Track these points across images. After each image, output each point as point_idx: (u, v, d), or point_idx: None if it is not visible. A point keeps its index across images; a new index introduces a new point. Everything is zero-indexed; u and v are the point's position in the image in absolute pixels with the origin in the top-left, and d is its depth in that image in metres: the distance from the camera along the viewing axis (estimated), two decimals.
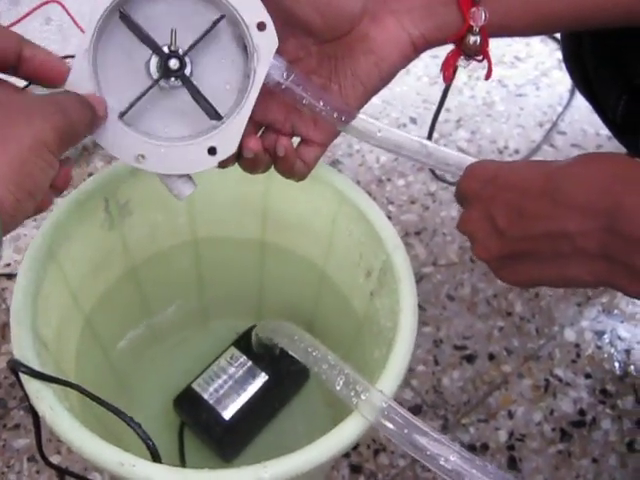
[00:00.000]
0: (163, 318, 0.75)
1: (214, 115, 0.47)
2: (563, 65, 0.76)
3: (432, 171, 1.02)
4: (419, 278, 0.90)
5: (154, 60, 0.46)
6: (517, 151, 1.07)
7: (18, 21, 0.87)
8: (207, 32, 0.46)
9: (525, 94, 1.16)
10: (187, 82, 0.47)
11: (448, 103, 0.88)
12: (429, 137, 0.85)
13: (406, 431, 0.44)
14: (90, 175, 1.00)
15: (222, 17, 0.46)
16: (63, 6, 0.82)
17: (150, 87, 0.46)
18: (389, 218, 0.58)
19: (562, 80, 1.16)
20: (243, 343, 0.70)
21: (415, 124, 1.10)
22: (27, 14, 0.83)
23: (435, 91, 1.13)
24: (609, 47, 0.56)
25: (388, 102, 1.11)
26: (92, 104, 0.44)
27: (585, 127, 1.10)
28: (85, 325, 0.62)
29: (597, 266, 0.42)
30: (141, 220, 0.63)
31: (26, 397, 0.48)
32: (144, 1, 0.45)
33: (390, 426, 0.45)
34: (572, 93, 1.13)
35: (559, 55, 1.20)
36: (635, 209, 0.39)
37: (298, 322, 0.58)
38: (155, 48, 0.46)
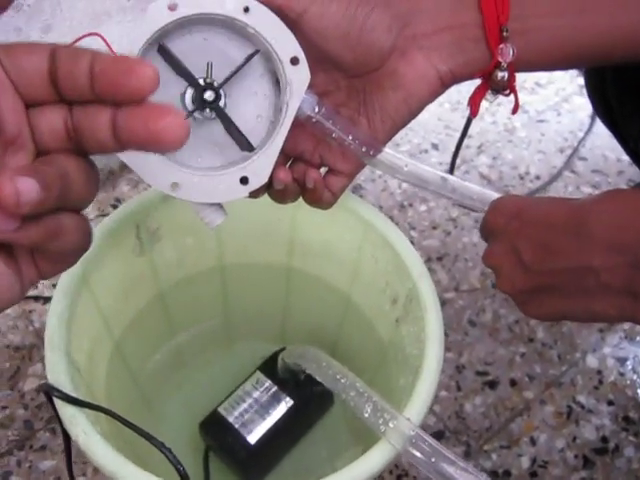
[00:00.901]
0: (188, 341, 0.76)
1: (247, 146, 0.48)
2: (584, 91, 0.77)
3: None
4: (441, 304, 0.90)
5: (190, 92, 0.47)
6: (538, 177, 1.08)
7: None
8: (242, 66, 0.47)
9: (546, 120, 1.17)
10: (221, 114, 0.48)
11: (470, 129, 0.89)
12: (452, 165, 0.86)
13: (433, 459, 0.45)
14: (117, 199, 1.01)
15: (257, 52, 0.47)
16: (103, 39, 0.83)
17: (186, 118, 0.47)
18: (411, 243, 0.59)
19: (583, 106, 1.17)
20: (268, 368, 0.70)
21: (437, 150, 1.11)
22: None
23: (456, 117, 1.14)
24: (631, 79, 0.57)
25: (410, 128, 1.12)
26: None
27: (606, 153, 1.11)
28: (115, 349, 0.63)
29: (622, 301, 0.43)
30: (170, 245, 0.64)
31: (58, 421, 0.49)
32: (182, 35, 0.47)
33: (418, 454, 0.45)
34: (593, 119, 1.14)
35: (580, 81, 1.21)
36: None
37: (322, 347, 0.58)
38: (191, 80, 0.47)
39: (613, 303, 0.43)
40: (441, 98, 0.52)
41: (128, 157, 0.46)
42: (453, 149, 0.90)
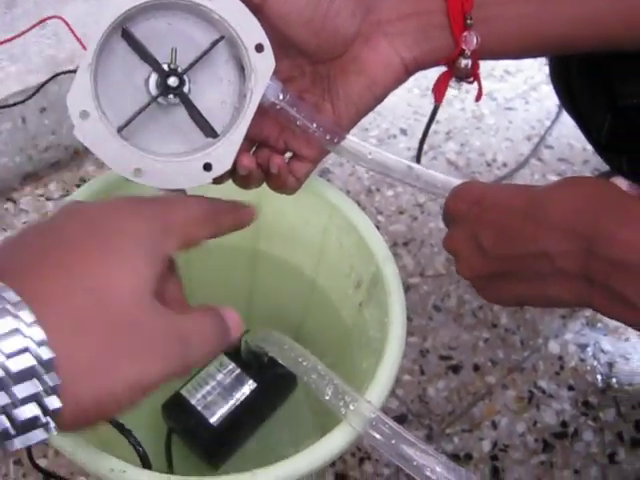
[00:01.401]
0: None
1: (210, 132, 0.48)
2: None
3: None
4: (406, 288, 0.91)
5: (154, 77, 0.47)
6: (505, 164, 1.09)
7: (18, 36, 0.87)
8: (206, 52, 0.47)
9: (514, 108, 1.18)
10: (185, 100, 0.47)
11: (438, 115, 0.89)
12: (419, 151, 0.86)
13: (393, 441, 0.45)
14: (81, 179, 1.00)
15: (221, 38, 0.47)
16: (66, 22, 0.83)
17: (148, 103, 0.47)
18: (377, 228, 0.59)
19: (550, 95, 1.17)
20: (232, 350, 0.70)
21: (405, 135, 1.11)
22: (27, 30, 0.83)
23: (425, 103, 1.14)
24: (595, 68, 0.58)
25: (378, 113, 1.13)
26: (227, 326, 0.41)
27: (572, 142, 1.12)
28: None
29: (577, 286, 0.43)
30: None
31: None
32: (146, 19, 0.46)
33: (378, 436, 0.46)
34: (560, 108, 1.15)
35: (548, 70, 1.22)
36: (612, 232, 0.41)
37: (286, 330, 0.58)
38: (155, 66, 0.47)
39: (568, 288, 0.44)
40: (410, 83, 0.52)
41: (90, 141, 0.46)
42: (420, 135, 0.91)
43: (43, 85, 0.89)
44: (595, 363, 0.88)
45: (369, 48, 0.48)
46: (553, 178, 1.08)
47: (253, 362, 0.69)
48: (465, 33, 0.48)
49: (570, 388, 0.85)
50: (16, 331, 0.29)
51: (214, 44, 0.47)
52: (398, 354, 0.51)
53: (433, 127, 0.98)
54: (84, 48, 0.84)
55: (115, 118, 0.47)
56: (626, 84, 0.55)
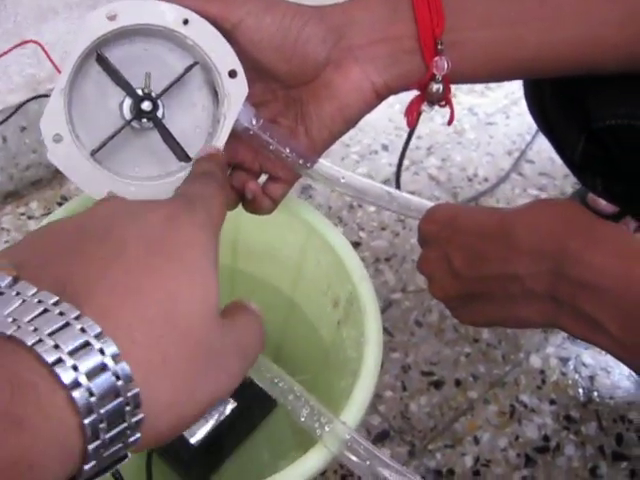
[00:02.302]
0: None
1: (183, 157, 0.49)
2: None
3: None
4: (388, 304, 0.92)
5: (127, 101, 0.47)
6: (486, 179, 1.09)
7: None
8: (180, 77, 0.47)
9: (495, 122, 1.18)
10: (159, 124, 0.48)
11: (419, 130, 0.90)
12: (399, 167, 0.87)
13: (368, 462, 0.45)
14: (63, 197, 1.00)
15: (195, 64, 0.47)
16: (41, 46, 0.83)
17: (122, 127, 0.47)
18: (359, 244, 0.59)
19: None
20: None
21: (387, 151, 1.11)
22: (4, 53, 0.83)
23: None
24: (569, 89, 0.58)
25: (360, 129, 1.13)
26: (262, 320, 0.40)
27: (553, 156, 1.12)
28: None
29: (545, 307, 0.44)
30: None
31: None
32: (121, 44, 0.46)
33: (353, 458, 0.46)
34: None
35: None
36: (580, 254, 0.41)
37: (266, 347, 0.58)
38: (129, 90, 0.47)
39: (537, 309, 0.44)
40: (391, 99, 0.52)
41: (63, 164, 0.46)
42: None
43: (23, 104, 0.89)
44: (577, 377, 0.88)
45: (340, 73, 0.49)
46: (534, 192, 1.08)
47: None
48: (436, 58, 0.48)
49: (552, 402, 0.86)
50: (103, 367, 0.27)
51: (188, 69, 0.47)
52: (373, 375, 0.51)
53: (414, 142, 0.98)
54: (59, 72, 0.85)
55: (89, 141, 0.47)
56: (600, 106, 0.55)
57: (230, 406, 0.69)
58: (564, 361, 0.89)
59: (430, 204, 0.52)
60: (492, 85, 1.23)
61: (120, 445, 0.28)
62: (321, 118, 0.50)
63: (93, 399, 0.27)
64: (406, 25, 0.48)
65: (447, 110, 0.53)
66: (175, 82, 0.47)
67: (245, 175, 0.51)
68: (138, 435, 0.29)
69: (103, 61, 0.46)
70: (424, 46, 0.48)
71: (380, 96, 0.50)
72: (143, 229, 0.33)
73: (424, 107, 0.51)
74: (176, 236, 0.33)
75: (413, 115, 0.52)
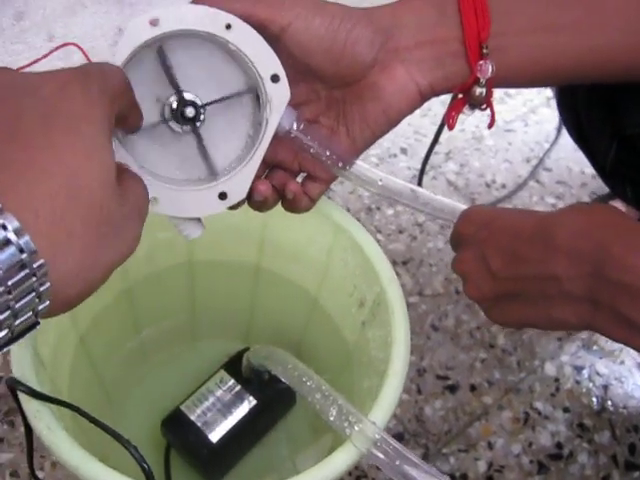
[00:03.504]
0: (153, 336, 0.75)
1: (211, 171, 0.49)
2: (551, 102, 0.79)
3: None
4: None
5: (171, 101, 0.47)
6: (504, 185, 1.10)
7: (35, 61, 0.88)
8: (228, 98, 0.48)
9: (513, 130, 1.19)
10: (196, 133, 0.48)
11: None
12: (421, 172, 0.87)
13: (397, 462, 0.46)
14: None
15: (243, 92, 0.48)
16: (81, 49, 0.84)
17: (157, 123, 0.47)
18: None
19: (549, 118, 1.19)
20: (233, 366, 0.71)
21: (406, 155, 1.12)
22: (44, 56, 0.84)
23: (426, 123, 1.15)
24: (603, 95, 0.59)
25: None
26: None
27: (570, 165, 1.13)
28: (79, 343, 0.63)
29: (583, 309, 0.44)
30: (141, 241, 0.63)
31: (22, 415, 0.48)
32: (182, 46, 0.46)
33: (382, 457, 0.46)
34: (559, 131, 1.16)
35: (548, 93, 1.23)
36: (621, 256, 0.41)
37: (286, 346, 0.59)
38: (178, 92, 0.47)
39: (573, 311, 0.44)
40: None
41: None
42: (421, 154, 0.91)
43: None
44: (590, 385, 0.88)
45: (386, 75, 0.49)
46: (551, 200, 1.08)
47: (253, 379, 0.69)
48: (481, 62, 0.48)
49: (565, 410, 0.86)
50: (7, 242, 0.29)
51: (239, 94, 0.48)
52: (402, 375, 0.52)
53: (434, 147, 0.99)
54: None
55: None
56: (633, 113, 0.56)
57: (250, 403, 0.69)
58: (578, 369, 0.90)
59: (464, 207, 0.52)
60: (511, 92, 1.24)
61: (29, 314, 0.30)
62: (364, 119, 0.50)
63: None
64: (452, 28, 0.49)
65: (465, 117, 0.53)
66: (222, 100, 0.47)
67: (284, 175, 0.52)
68: (47, 303, 0.31)
69: (163, 56, 0.46)
70: (469, 49, 0.48)
71: (424, 98, 0.50)
72: (37, 100, 0.33)
73: (465, 110, 0.52)
74: (70, 108, 0.33)
75: (454, 118, 0.52)
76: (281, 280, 0.69)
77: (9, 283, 0.29)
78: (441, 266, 0.97)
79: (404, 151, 1.12)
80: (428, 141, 0.80)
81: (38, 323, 0.32)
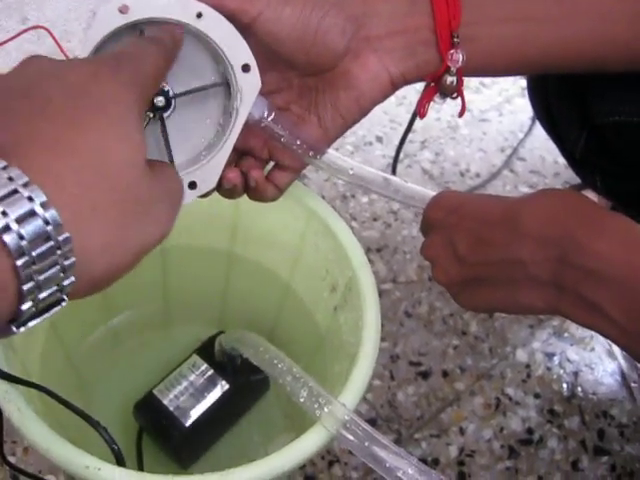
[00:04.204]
0: (125, 320, 0.75)
1: (170, 159, 0.48)
2: (526, 93, 0.79)
3: None
4: (378, 294, 0.92)
5: None
6: (478, 174, 1.10)
7: (4, 43, 0.87)
8: (199, 89, 0.47)
9: (488, 119, 1.19)
10: (162, 123, 0.48)
11: (414, 124, 0.91)
12: (395, 160, 0.88)
13: (366, 444, 0.46)
14: None
15: (219, 84, 0.48)
16: (50, 33, 0.83)
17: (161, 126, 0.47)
18: None
19: (524, 108, 1.20)
20: (205, 351, 0.71)
21: (381, 143, 1.12)
22: (11, 38, 0.84)
23: (401, 111, 1.16)
24: (573, 84, 0.59)
25: None
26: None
27: (544, 154, 1.14)
28: (50, 327, 0.62)
29: (548, 293, 0.45)
30: None
31: None
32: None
33: (351, 438, 0.47)
34: (533, 121, 1.17)
35: (523, 83, 1.24)
36: (586, 242, 0.42)
37: (259, 332, 0.59)
38: None
39: (539, 295, 0.45)
40: None
41: None
42: (397, 143, 0.92)
43: None
44: (561, 372, 0.90)
45: (358, 63, 0.49)
46: (525, 189, 1.09)
47: (226, 363, 0.69)
48: (451, 51, 0.49)
49: (536, 396, 0.87)
50: (33, 214, 0.29)
51: (211, 86, 0.47)
52: (372, 358, 0.52)
53: (409, 136, 0.99)
54: (61, 50, 0.85)
55: None
56: (603, 102, 0.57)
57: (222, 388, 0.69)
58: (549, 356, 0.91)
59: (434, 193, 0.53)
60: (486, 82, 1.24)
61: (55, 288, 0.30)
62: (336, 107, 0.50)
63: (24, 242, 0.28)
64: (423, 17, 0.49)
65: (441, 107, 0.53)
66: (193, 91, 0.47)
67: (253, 162, 0.52)
68: (72, 279, 0.31)
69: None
70: (440, 38, 0.49)
71: (395, 86, 0.51)
72: (67, 85, 0.33)
73: (436, 99, 0.52)
74: (100, 91, 0.34)
75: (424, 106, 0.52)
76: (254, 265, 0.70)
77: (33, 254, 0.29)
78: (415, 254, 0.98)
79: (379, 139, 1.13)
80: (403, 130, 0.80)
81: (64, 300, 0.31)
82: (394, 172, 0.97)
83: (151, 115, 0.47)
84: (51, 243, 0.29)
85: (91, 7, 0.91)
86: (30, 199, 0.29)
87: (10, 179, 0.29)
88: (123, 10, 0.44)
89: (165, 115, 0.48)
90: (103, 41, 0.44)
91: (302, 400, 0.49)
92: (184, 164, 0.49)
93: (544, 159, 1.13)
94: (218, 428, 0.72)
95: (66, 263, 0.30)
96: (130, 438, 0.71)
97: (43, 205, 0.29)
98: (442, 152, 1.13)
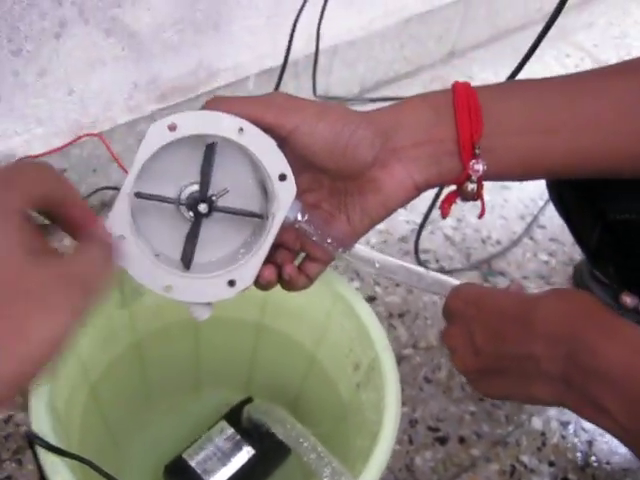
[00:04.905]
0: (159, 384, 0.79)
1: (185, 263, 0.52)
2: None
3: (417, 257, 1.08)
4: (399, 359, 0.95)
5: (194, 189, 0.52)
6: (499, 242, 1.14)
7: (59, 149, 0.95)
8: (241, 213, 0.52)
9: (509, 187, 1.23)
10: (197, 225, 0.52)
11: (437, 191, 0.94)
12: (419, 233, 0.91)
13: None
14: None
15: (259, 216, 0.52)
16: (102, 139, 0.88)
17: (169, 200, 0.51)
18: (374, 299, 0.63)
19: None
20: (233, 417, 0.74)
21: (405, 209, 1.16)
22: (67, 144, 0.89)
23: None
24: (587, 182, 0.63)
25: None
26: (107, 241, 0.43)
27: (564, 223, 1.17)
28: (90, 393, 0.66)
29: (556, 388, 0.48)
30: (150, 299, 0.67)
31: (38, 469, 0.52)
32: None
33: None
34: None
35: None
36: (594, 343, 0.46)
37: (284, 398, 0.62)
38: (202, 185, 0.51)
39: (549, 389, 0.49)
40: None
41: (126, 262, 0.49)
42: (420, 209, 0.96)
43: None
44: (576, 440, 0.92)
45: (385, 172, 0.53)
46: (544, 257, 1.12)
47: (252, 429, 0.72)
48: (472, 161, 0.52)
49: (551, 464, 0.89)
50: None
51: (251, 215, 0.52)
52: (392, 439, 0.55)
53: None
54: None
55: (151, 242, 0.52)
56: (615, 200, 0.60)
57: (248, 453, 0.73)
58: (564, 425, 0.93)
59: (456, 282, 0.57)
60: None
61: None
62: (364, 209, 0.54)
63: None
64: (447, 129, 0.52)
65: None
66: (235, 213, 0.52)
67: (286, 254, 0.55)
68: None
69: (211, 151, 0.50)
70: (463, 149, 0.52)
71: (420, 190, 0.54)
72: None
73: (458, 200, 0.56)
74: None
75: (446, 208, 0.56)
76: (281, 337, 0.73)
77: None
78: (436, 319, 1.01)
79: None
80: (427, 196, 0.83)
81: None
82: (418, 239, 1.01)
83: (192, 219, 0.52)
84: None
85: (132, 79, 0.97)
86: None
87: None
88: (172, 127, 0.48)
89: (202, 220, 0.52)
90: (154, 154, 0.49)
91: (325, 478, 0.52)
92: (221, 260, 0.53)
93: (564, 227, 1.14)
94: None
95: None
96: None
97: None
98: (464, 219, 1.16)
